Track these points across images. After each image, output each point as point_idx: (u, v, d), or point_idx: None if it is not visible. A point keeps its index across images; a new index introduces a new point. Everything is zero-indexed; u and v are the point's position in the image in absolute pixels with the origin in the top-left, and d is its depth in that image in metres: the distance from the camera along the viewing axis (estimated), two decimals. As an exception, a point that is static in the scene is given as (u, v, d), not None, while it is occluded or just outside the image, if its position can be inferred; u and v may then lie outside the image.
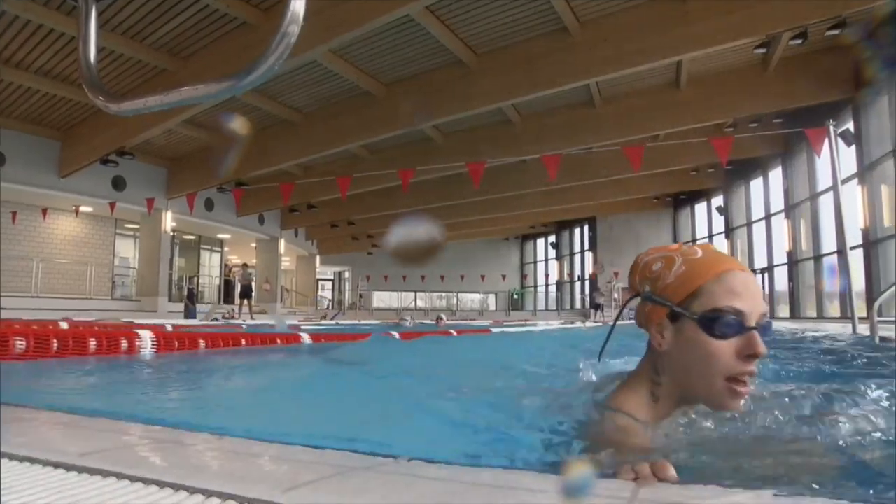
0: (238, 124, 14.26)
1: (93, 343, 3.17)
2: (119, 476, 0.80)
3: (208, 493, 0.73)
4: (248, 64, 1.29)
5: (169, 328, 5.81)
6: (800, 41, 11.61)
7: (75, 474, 0.82)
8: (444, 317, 14.04)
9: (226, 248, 27.28)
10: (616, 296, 26.62)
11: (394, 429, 1.30)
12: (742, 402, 1.13)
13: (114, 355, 3.26)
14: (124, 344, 3.32)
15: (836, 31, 11.31)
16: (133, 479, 0.79)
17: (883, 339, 4.81)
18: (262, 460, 0.92)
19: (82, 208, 18.07)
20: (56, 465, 0.85)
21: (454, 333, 7.66)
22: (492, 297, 36.50)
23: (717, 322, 1.11)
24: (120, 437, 1.07)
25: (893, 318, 4.44)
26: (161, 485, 0.77)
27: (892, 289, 5.44)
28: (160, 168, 19.06)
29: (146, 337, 3.43)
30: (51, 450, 0.93)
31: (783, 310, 19.99)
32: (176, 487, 0.76)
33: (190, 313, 19.00)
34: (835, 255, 14.09)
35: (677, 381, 1.18)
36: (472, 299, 35.44)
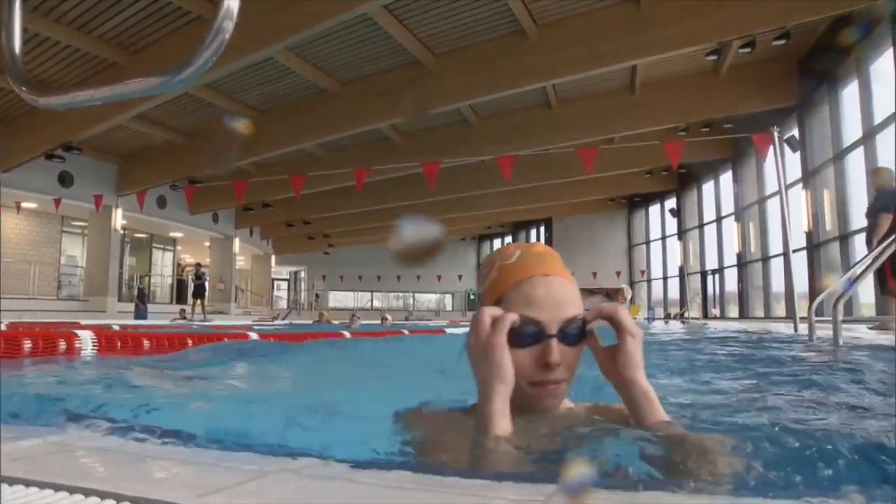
0: (240, 124, 14.12)
1: (28, 344, 3.06)
2: (27, 483, 0.78)
3: (120, 497, 0.71)
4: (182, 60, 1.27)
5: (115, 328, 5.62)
6: (748, 49, 11.97)
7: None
8: (388, 317, 14.02)
9: (179, 247, 26.67)
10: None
11: (320, 431, 1.28)
12: (550, 406, 1.14)
13: (51, 356, 3.15)
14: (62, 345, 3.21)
15: (781, 41, 11.70)
16: (42, 485, 0.77)
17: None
18: (176, 463, 0.90)
19: (25, 205, 17.40)
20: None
21: (406, 333, 7.63)
22: (448, 298, 36.56)
23: (510, 331, 1.10)
24: (23, 442, 1.03)
25: (831, 318, 4.60)
26: (71, 490, 0.75)
27: (829, 289, 5.64)
28: (110, 164, 18.51)
29: (86, 338, 3.33)
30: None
31: (733, 310, 20.59)
32: (87, 492, 0.73)
33: (140, 314, 18.53)
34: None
35: None
36: (428, 299, 35.45)
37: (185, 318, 18.00)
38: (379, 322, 13.27)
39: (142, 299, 19.81)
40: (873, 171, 7.98)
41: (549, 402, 1.14)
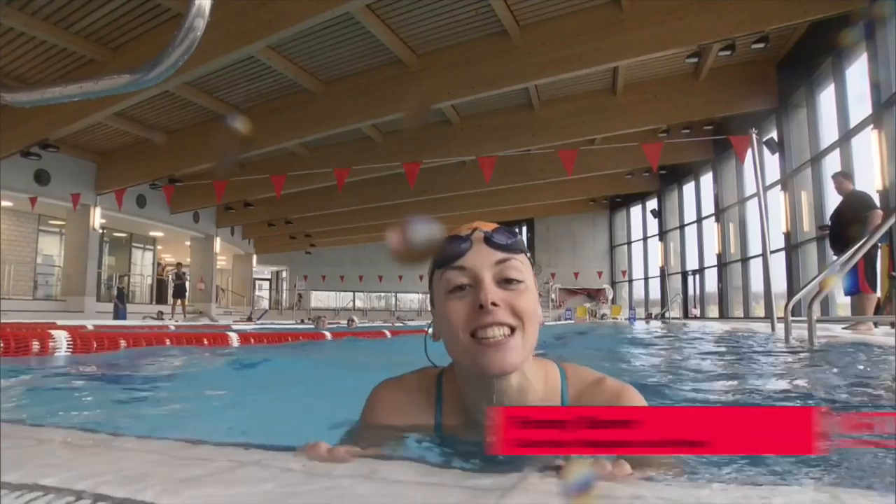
0: (240, 124, 14.03)
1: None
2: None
3: (77, 494, 0.71)
4: (154, 58, 1.26)
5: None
6: (728, 52, 12.10)
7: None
8: (355, 318, 14.01)
9: (159, 247, 26.40)
10: (553, 296, 27.11)
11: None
12: (501, 361, 1.05)
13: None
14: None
15: (760, 45, 11.85)
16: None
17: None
18: (138, 456, 0.90)
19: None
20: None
21: (388, 335, 7.62)
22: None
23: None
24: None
25: (806, 318, 4.66)
26: (31, 488, 0.74)
27: (805, 290, 5.72)
28: (89, 162, 18.24)
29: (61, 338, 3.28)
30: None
31: (713, 310, 20.80)
32: (46, 490, 0.73)
33: (119, 314, 18.29)
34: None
35: (450, 355, 1.18)
36: (411, 299, 35.26)
37: (161, 319, 17.80)
38: (345, 323, 13.12)
39: (121, 299, 19.55)
40: (840, 175, 8.08)
41: (496, 359, 1.05)
